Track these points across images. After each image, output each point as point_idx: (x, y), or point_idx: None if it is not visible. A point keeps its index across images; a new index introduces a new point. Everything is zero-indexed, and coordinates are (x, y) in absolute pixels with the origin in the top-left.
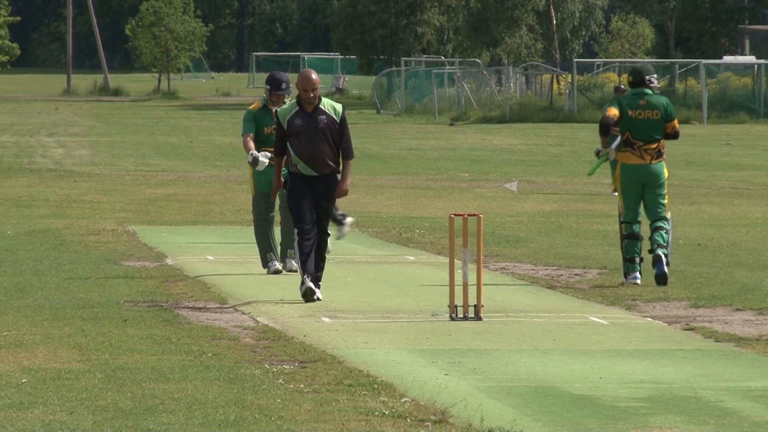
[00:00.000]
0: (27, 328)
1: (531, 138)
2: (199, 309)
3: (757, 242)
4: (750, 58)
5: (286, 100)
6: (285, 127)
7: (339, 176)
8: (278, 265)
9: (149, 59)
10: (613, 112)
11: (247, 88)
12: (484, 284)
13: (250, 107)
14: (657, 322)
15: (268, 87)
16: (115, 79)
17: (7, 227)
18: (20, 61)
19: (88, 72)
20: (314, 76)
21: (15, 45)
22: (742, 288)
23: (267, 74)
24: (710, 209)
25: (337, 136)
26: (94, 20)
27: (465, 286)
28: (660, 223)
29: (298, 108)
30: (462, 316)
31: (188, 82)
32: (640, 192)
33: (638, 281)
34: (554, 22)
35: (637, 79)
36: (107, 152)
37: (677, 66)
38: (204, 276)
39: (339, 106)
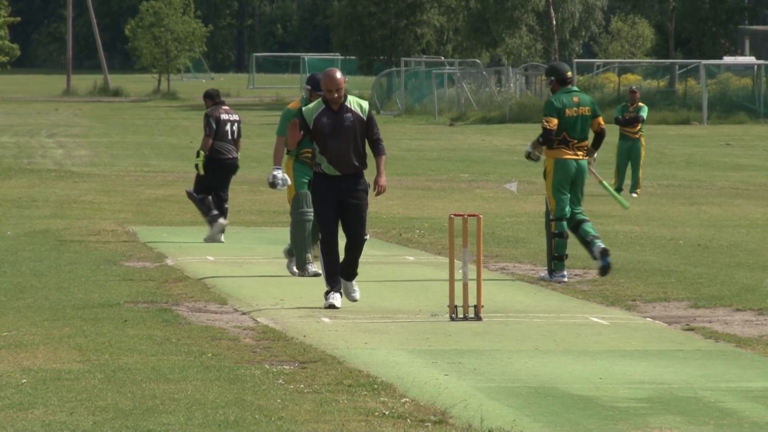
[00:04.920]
0: (27, 328)
1: (531, 138)
2: (199, 309)
3: (757, 243)
4: (750, 59)
5: None
6: (311, 126)
7: (363, 177)
8: (316, 268)
9: (149, 60)
10: (555, 122)
11: (247, 88)
12: (484, 280)
13: (290, 105)
14: (657, 322)
15: (309, 87)
16: (115, 80)
17: (7, 228)
18: (20, 62)
19: (88, 72)
20: (338, 75)
21: (15, 45)
22: (742, 288)
23: (267, 75)
24: (710, 210)
25: (364, 134)
26: (94, 21)
27: (465, 286)
28: (582, 214)
29: (324, 106)
30: (462, 316)
31: (188, 82)
32: (570, 186)
33: (566, 279)
34: (554, 22)
35: (563, 78)
36: (107, 153)
37: (677, 66)
38: (204, 277)
39: (365, 103)
